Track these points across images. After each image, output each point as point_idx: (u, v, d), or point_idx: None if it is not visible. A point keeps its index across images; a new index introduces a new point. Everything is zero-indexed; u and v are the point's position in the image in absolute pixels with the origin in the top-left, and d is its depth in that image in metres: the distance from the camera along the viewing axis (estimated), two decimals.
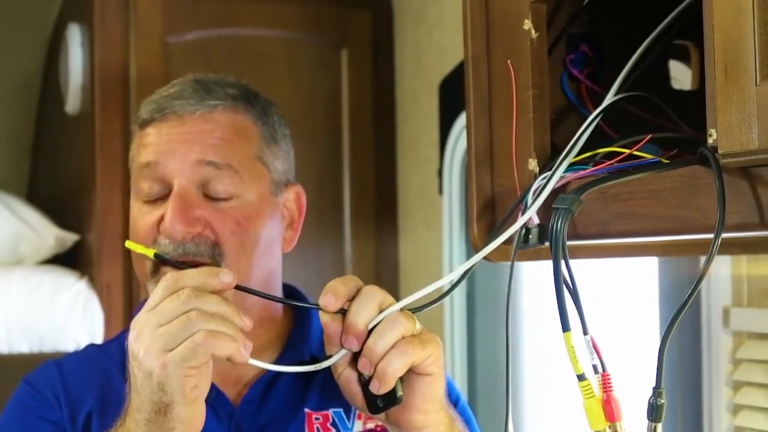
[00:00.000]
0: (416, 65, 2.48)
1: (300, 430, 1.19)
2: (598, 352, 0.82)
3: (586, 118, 0.91)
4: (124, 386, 1.03)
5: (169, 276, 0.96)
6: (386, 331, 0.97)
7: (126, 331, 1.22)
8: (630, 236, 0.88)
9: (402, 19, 2.55)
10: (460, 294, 2.23)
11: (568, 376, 0.83)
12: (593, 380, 0.82)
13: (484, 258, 0.94)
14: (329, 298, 0.97)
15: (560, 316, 0.82)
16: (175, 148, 1.17)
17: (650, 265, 1.61)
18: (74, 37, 2.42)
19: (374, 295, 0.99)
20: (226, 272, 0.97)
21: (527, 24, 0.93)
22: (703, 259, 0.80)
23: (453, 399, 1.20)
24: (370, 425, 1.20)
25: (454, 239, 2.26)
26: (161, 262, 1.13)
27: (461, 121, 2.15)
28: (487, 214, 1.02)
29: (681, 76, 0.95)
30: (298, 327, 1.26)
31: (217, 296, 0.95)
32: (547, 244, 0.86)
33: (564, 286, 0.83)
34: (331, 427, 1.20)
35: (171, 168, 1.17)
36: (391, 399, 0.99)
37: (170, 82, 1.25)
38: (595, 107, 0.91)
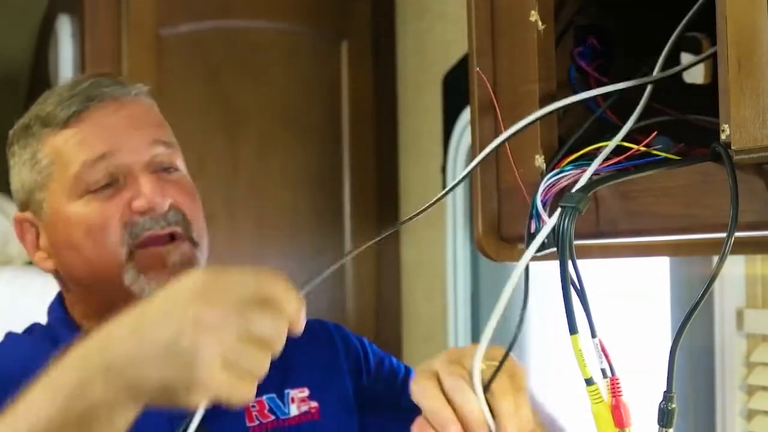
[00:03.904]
0: (419, 58, 2.46)
1: (241, 421, 1.20)
2: (606, 356, 0.81)
3: (594, 112, 0.89)
4: None
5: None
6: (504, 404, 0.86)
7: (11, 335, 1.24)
8: (640, 235, 0.87)
9: (404, 10, 2.54)
10: (464, 294, 2.22)
11: (576, 381, 0.81)
12: (602, 385, 0.81)
13: (490, 258, 0.92)
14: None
15: (567, 318, 0.80)
16: (128, 133, 1.19)
17: (661, 265, 1.60)
18: (64, 29, 2.41)
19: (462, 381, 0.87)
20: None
21: (534, 15, 0.92)
22: (715, 259, 0.78)
23: (378, 359, 1.28)
24: (304, 408, 1.23)
25: (458, 238, 2.24)
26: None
27: (465, 115, 2.13)
28: (493, 212, 1.00)
29: (693, 69, 0.93)
30: None
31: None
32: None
33: (571, 287, 0.81)
34: (269, 414, 1.21)
35: (128, 155, 1.18)
36: None
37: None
38: (605, 101, 0.90)
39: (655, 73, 0.89)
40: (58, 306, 1.27)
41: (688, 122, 0.90)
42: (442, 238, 2.29)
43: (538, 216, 0.87)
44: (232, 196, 2.41)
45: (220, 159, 2.41)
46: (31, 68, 3.02)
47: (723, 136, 0.72)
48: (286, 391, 1.22)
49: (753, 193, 0.73)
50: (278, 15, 2.46)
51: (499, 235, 1.00)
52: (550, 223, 0.84)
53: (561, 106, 0.89)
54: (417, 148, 2.48)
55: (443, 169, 2.29)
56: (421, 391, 0.87)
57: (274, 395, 1.22)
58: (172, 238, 1.18)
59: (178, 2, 2.37)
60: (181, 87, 2.36)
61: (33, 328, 1.27)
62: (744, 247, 0.97)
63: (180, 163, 1.23)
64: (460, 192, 2.23)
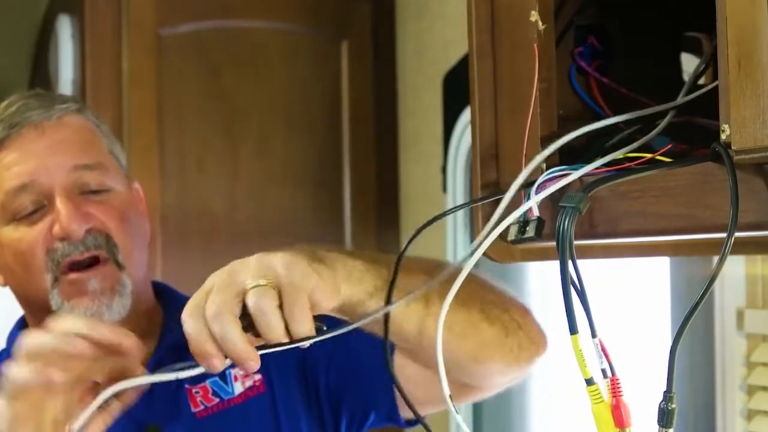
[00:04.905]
0: (419, 58, 2.46)
1: (185, 408, 1.22)
2: (607, 356, 0.80)
3: (594, 112, 0.89)
4: None
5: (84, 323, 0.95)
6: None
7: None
8: (640, 235, 0.86)
9: (404, 11, 2.54)
10: None
11: (576, 381, 0.81)
12: (602, 385, 0.80)
13: (490, 258, 0.92)
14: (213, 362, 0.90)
15: (568, 318, 0.80)
16: (46, 161, 1.20)
17: (662, 265, 1.60)
18: (64, 30, 2.41)
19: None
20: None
21: (534, 15, 0.92)
22: (715, 259, 0.78)
23: None
24: (249, 383, 1.25)
25: (459, 239, 2.24)
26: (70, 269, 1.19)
27: (466, 116, 2.13)
28: (493, 212, 1.00)
29: (693, 69, 0.93)
30: (170, 314, 1.29)
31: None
32: (545, 242, 0.84)
33: (572, 287, 0.81)
34: (213, 397, 1.23)
35: (48, 181, 1.20)
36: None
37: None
38: (605, 101, 0.89)
39: (679, 98, 0.89)
40: (17, 330, 1.29)
41: (689, 122, 0.90)
42: (442, 238, 2.29)
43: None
44: (232, 196, 2.41)
45: (220, 159, 2.41)
46: (31, 68, 3.01)
47: (723, 136, 0.71)
48: (228, 370, 1.24)
49: (753, 193, 0.73)
50: (278, 15, 2.46)
51: (499, 235, 1.00)
52: (527, 204, 0.85)
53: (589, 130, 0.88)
54: (417, 149, 2.48)
55: (443, 169, 2.28)
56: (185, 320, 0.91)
57: (216, 377, 1.24)
58: (96, 261, 1.20)
59: (178, 2, 2.37)
60: (181, 87, 2.36)
61: None
62: (744, 247, 0.97)
63: (112, 181, 1.24)
64: (461, 191, 2.23)
